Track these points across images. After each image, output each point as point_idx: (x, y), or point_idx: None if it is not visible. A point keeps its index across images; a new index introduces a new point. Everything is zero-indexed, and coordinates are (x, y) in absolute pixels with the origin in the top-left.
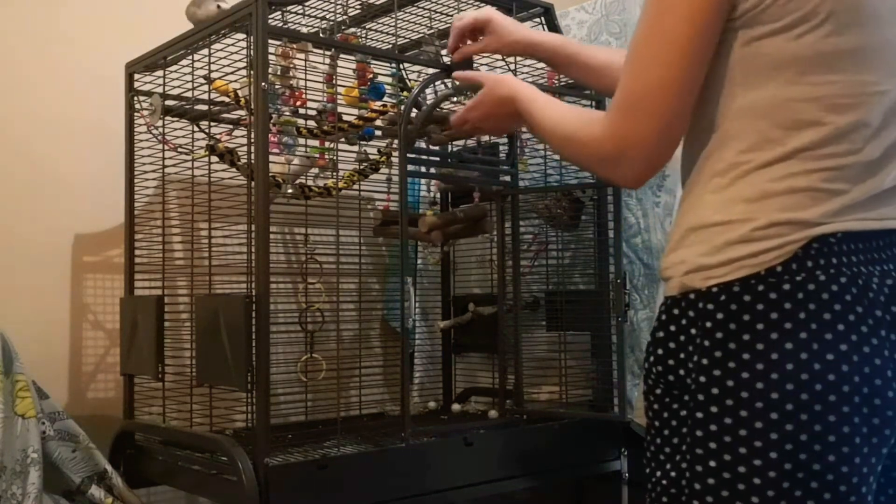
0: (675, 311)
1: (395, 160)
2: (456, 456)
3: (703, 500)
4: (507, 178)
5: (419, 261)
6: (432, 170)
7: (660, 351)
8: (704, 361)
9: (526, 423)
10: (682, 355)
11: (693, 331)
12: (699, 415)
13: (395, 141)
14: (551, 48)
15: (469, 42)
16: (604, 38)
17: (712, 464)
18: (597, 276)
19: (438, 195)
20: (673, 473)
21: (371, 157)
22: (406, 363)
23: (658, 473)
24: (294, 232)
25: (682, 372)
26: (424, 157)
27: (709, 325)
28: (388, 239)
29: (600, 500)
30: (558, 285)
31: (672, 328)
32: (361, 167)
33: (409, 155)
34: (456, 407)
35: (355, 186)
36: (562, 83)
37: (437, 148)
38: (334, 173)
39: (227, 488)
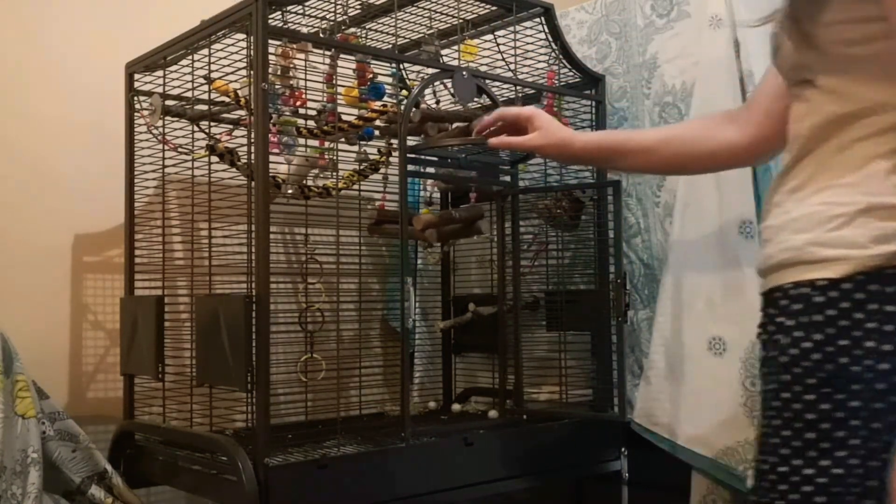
0: (833, 294)
1: (394, 160)
2: (456, 456)
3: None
4: (507, 178)
5: (419, 261)
6: (431, 170)
7: (817, 336)
8: (886, 347)
9: (526, 423)
10: (842, 342)
11: (859, 315)
12: (878, 405)
13: (395, 140)
14: (601, 141)
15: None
16: (604, 38)
17: None
18: (597, 276)
19: (438, 195)
20: (839, 470)
21: (371, 157)
22: (406, 363)
23: (808, 471)
24: (294, 232)
25: (844, 360)
26: (424, 157)
27: (889, 308)
28: (386, 238)
29: (600, 500)
30: (558, 285)
31: (831, 312)
32: (361, 167)
33: (408, 155)
34: (456, 407)
35: (355, 186)
36: (562, 83)
37: (437, 148)
38: (334, 173)
39: (227, 488)
